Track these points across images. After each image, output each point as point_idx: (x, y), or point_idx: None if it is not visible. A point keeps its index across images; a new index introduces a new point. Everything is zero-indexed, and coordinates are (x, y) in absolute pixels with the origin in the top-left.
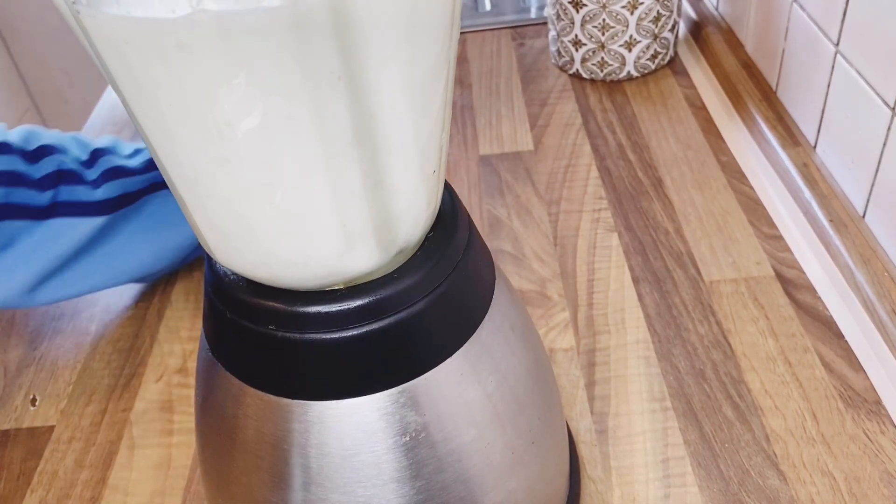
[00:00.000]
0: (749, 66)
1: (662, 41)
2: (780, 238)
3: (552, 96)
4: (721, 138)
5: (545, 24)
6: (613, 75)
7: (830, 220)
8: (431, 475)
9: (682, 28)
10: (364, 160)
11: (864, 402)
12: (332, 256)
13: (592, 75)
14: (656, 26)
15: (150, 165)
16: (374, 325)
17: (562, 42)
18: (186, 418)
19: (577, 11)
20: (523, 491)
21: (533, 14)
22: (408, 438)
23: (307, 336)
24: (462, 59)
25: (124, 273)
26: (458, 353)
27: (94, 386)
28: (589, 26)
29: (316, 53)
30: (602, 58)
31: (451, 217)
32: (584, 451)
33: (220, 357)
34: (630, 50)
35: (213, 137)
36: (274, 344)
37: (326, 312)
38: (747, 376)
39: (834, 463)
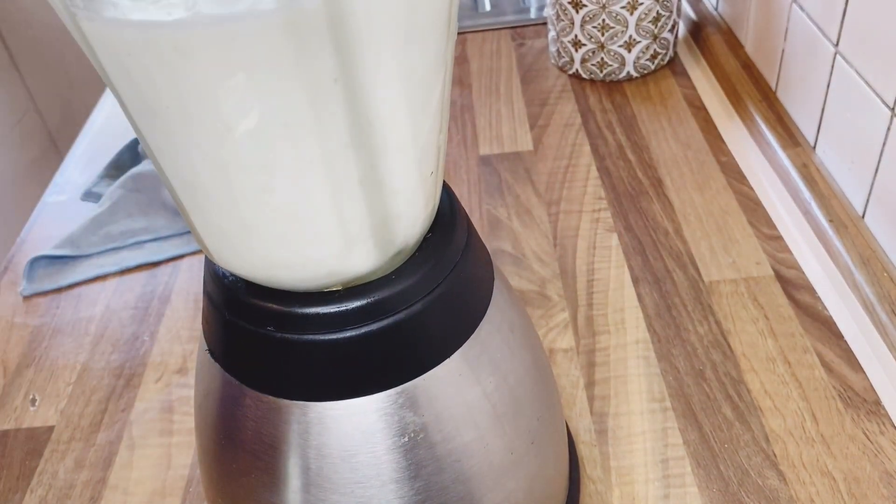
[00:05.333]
0: (749, 67)
1: (662, 41)
2: (779, 238)
3: (552, 96)
4: (721, 139)
5: (545, 24)
6: (613, 76)
7: (830, 221)
8: (430, 476)
9: (682, 28)
10: (361, 161)
11: (864, 402)
12: (331, 257)
13: (592, 75)
14: (656, 27)
15: None
16: (373, 326)
17: (561, 42)
18: (186, 418)
19: (577, 12)
20: (523, 491)
21: (533, 14)
22: (407, 439)
23: (306, 337)
24: (462, 59)
25: None
26: (457, 353)
27: (94, 386)
28: (588, 27)
29: (312, 55)
30: (602, 58)
31: (449, 218)
32: (583, 451)
33: (220, 358)
34: (630, 50)
35: (210, 140)
36: (273, 345)
37: (325, 313)
38: (747, 376)
39: (833, 463)
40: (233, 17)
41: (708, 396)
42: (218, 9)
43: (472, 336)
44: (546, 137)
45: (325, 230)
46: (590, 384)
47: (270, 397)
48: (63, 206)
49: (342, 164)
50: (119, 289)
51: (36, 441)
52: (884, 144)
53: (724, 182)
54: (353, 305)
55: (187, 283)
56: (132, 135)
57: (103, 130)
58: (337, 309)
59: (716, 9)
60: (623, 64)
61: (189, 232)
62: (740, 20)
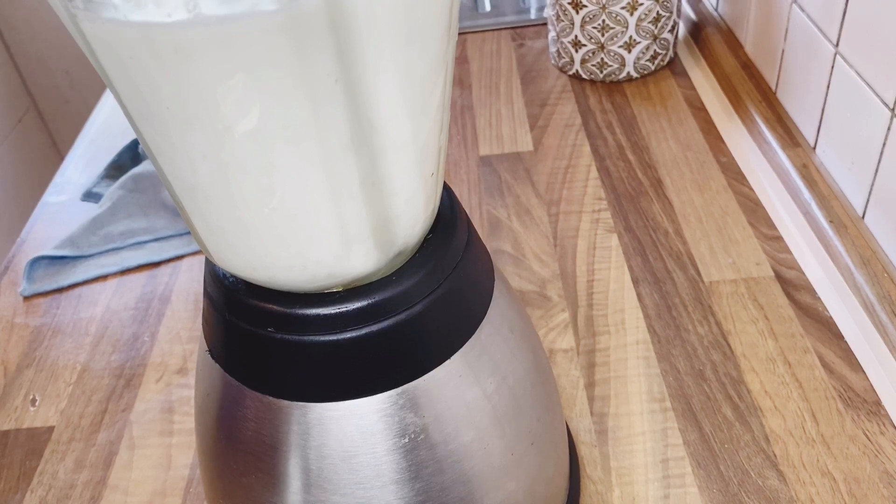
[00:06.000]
0: (749, 67)
1: (662, 42)
2: (779, 239)
3: (552, 97)
4: (721, 139)
5: (545, 24)
6: (613, 76)
7: (830, 221)
8: (431, 476)
9: (682, 29)
10: (362, 162)
11: (864, 402)
12: (331, 259)
13: (592, 76)
14: (656, 27)
15: None
16: (373, 327)
17: (561, 43)
18: (186, 418)
19: (577, 12)
20: (523, 492)
21: (533, 15)
22: (407, 440)
23: (306, 338)
24: (462, 60)
25: None
26: (457, 354)
27: (94, 386)
28: (588, 27)
29: (312, 56)
30: (602, 59)
31: (449, 218)
32: (583, 451)
33: (220, 359)
34: (630, 51)
35: (210, 141)
36: (273, 346)
37: (325, 314)
38: (747, 377)
39: (833, 463)
40: (233, 18)
41: (708, 397)
42: (218, 10)
43: (472, 337)
44: (546, 138)
45: (325, 231)
46: (590, 384)
47: (271, 398)
48: (63, 206)
49: (342, 164)
50: (119, 289)
51: (36, 441)
52: (884, 144)
53: (724, 182)
54: (354, 306)
55: (187, 284)
56: (132, 135)
57: (103, 130)
58: (337, 310)
59: (716, 9)
60: (623, 64)
61: (189, 232)
62: (740, 20)
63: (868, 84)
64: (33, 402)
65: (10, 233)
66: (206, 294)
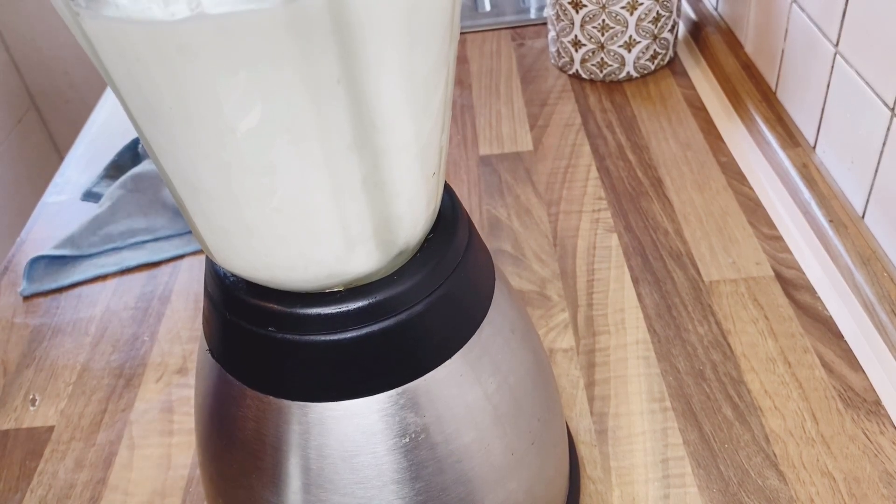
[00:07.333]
0: (749, 67)
1: (662, 42)
2: (779, 238)
3: (552, 97)
4: (721, 139)
5: (545, 24)
6: (613, 76)
7: (830, 221)
8: (431, 476)
9: (682, 28)
10: (364, 163)
11: (864, 402)
12: (332, 258)
13: (592, 76)
14: (656, 27)
15: None
16: (374, 327)
17: (561, 42)
18: (186, 418)
19: (577, 12)
20: (523, 492)
21: (533, 14)
22: (408, 440)
23: (307, 338)
24: (462, 60)
25: None
26: (457, 354)
27: (94, 386)
28: (588, 27)
29: (315, 56)
30: (602, 58)
31: (451, 218)
32: (583, 451)
33: (220, 358)
34: (629, 50)
35: (212, 141)
36: (274, 345)
37: (326, 314)
38: (747, 377)
39: (833, 463)
40: (236, 16)
41: (708, 396)
42: (221, 8)
43: (473, 337)
44: (546, 137)
45: (326, 231)
46: (590, 384)
47: (271, 398)
48: (63, 206)
49: (345, 165)
50: (119, 289)
51: (36, 441)
52: (884, 144)
53: (724, 182)
54: (355, 306)
55: (187, 283)
56: (132, 135)
57: (103, 130)
58: (338, 310)
59: (716, 9)
60: (623, 64)
61: (189, 232)
62: (740, 20)
63: (868, 84)
64: (33, 401)
65: (10, 233)
66: (207, 293)
